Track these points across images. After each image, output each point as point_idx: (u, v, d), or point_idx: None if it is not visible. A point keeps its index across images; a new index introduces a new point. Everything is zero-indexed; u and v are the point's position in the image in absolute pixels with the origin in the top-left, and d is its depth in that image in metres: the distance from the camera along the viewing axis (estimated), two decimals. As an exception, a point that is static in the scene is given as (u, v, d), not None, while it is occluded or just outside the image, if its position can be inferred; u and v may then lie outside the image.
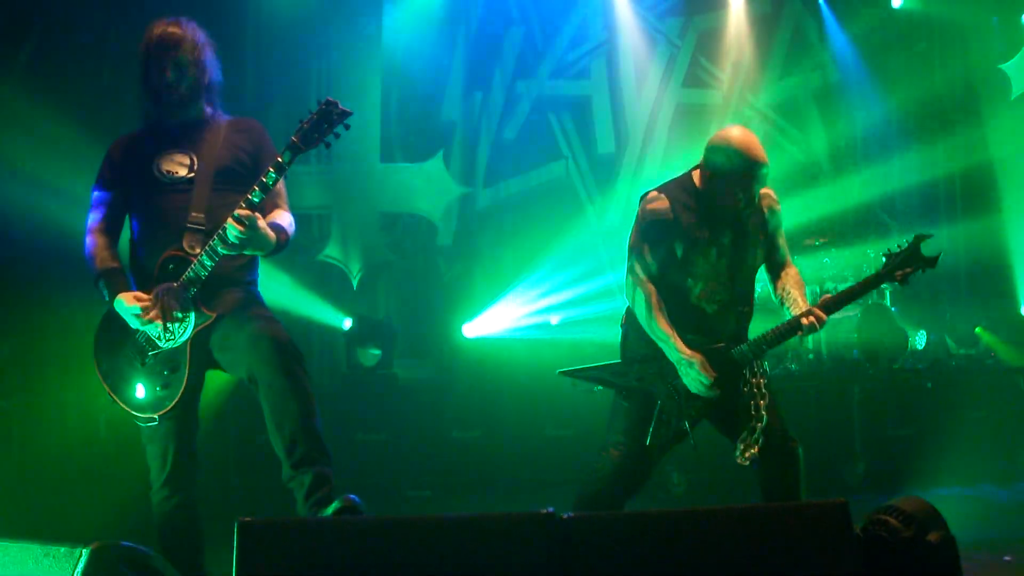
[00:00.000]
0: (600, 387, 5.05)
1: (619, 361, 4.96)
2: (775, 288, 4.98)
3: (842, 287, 9.38)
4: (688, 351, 4.68)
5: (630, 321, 4.95)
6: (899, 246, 4.77)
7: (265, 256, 4.58)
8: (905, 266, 4.73)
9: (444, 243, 10.61)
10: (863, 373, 8.73)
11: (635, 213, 4.92)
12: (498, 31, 10.90)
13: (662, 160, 11.26)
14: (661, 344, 4.72)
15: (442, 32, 10.66)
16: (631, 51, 11.11)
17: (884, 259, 4.80)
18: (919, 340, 9.57)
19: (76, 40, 8.20)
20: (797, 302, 4.79)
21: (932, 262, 4.72)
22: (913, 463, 7.99)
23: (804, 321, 4.67)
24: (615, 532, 3.53)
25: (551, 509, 3.50)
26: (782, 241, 5.00)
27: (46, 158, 7.92)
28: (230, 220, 4.28)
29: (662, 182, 4.98)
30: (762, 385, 4.74)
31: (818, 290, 9.10)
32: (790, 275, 4.94)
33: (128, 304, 4.40)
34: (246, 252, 4.43)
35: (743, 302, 4.90)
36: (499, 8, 10.87)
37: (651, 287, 4.75)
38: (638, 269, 4.80)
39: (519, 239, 10.53)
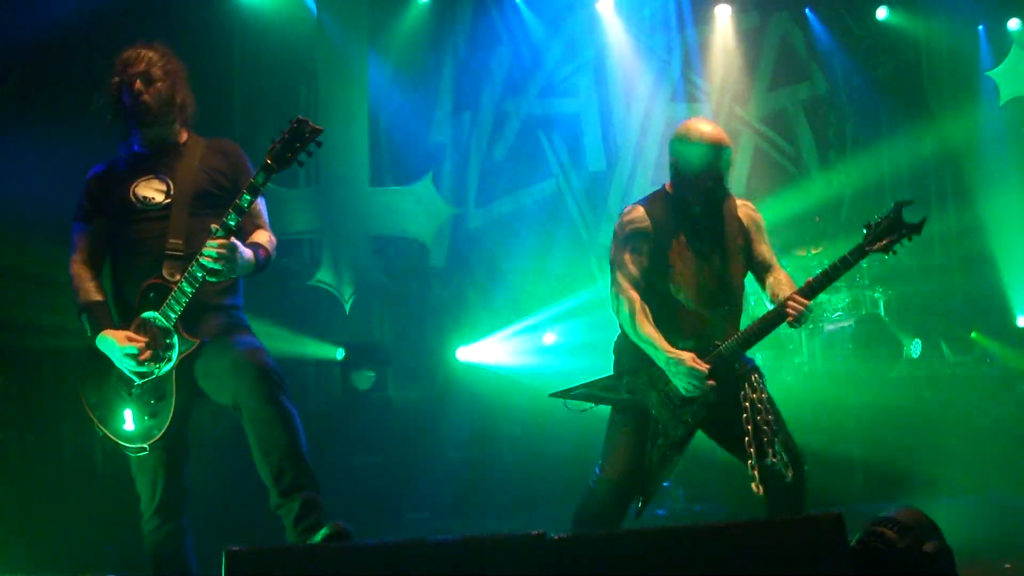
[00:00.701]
0: (592, 404, 4.98)
1: (608, 375, 4.90)
2: (766, 293, 4.89)
3: (835, 297, 9.40)
4: (674, 350, 4.60)
5: (621, 342, 4.89)
6: (878, 216, 4.63)
7: (248, 276, 4.54)
8: (888, 234, 4.59)
9: (436, 264, 10.58)
10: (859, 383, 8.69)
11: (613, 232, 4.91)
12: (486, 50, 10.90)
13: (653, 176, 11.24)
14: (647, 348, 4.65)
15: (430, 53, 10.67)
16: (620, 67, 11.11)
17: (864, 230, 4.63)
18: (914, 349, 9.54)
19: (63, 69, 8.20)
20: (784, 292, 4.70)
21: (917, 228, 4.59)
22: (910, 473, 7.95)
23: (788, 307, 4.57)
24: (607, 551, 3.49)
25: (542, 530, 3.46)
26: (766, 247, 4.95)
27: (35, 187, 7.91)
28: (207, 248, 4.25)
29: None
30: (764, 400, 4.66)
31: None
32: (780, 278, 4.87)
33: (120, 344, 4.36)
34: (223, 275, 4.37)
35: (730, 304, 4.83)
36: (487, 27, 10.87)
37: (634, 294, 4.71)
38: (620, 279, 4.76)
39: (512, 258, 10.51)
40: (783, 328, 4.76)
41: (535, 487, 8.39)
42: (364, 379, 8.90)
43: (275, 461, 4.25)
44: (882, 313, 9.45)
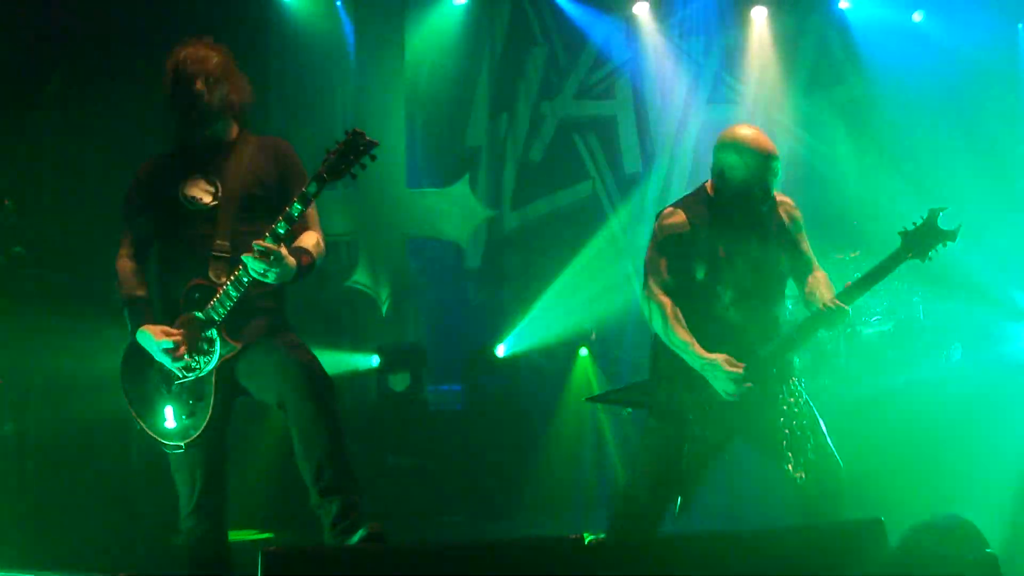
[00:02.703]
0: (630, 409, 4.94)
1: (644, 380, 4.86)
2: (804, 295, 4.84)
3: (873, 301, 9.28)
4: (709, 354, 4.55)
5: (657, 345, 4.82)
6: (914, 223, 4.55)
7: (291, 283, 4.50)
8: (923, 241, 4.51)
9: (472, 266, 10.57)
10: (898, 388, 8.57)
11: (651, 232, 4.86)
12: (521, 53, 10.87)
13: (689, 178, 11.14)
14: (681, 353, 4.60)
15: (466, 56, 10.66)
16: (655, 70, 11.03)
17: (900, 237, 4.55)
18: (954, 353, 9.41)
19: (104, 71, 8.24)
20: (822, 297, 4.65)
21: (952, 235, 4.52)
22: (954, 479, 7.82)
23: (824, 309, 4.55)
24: (643, 556, 3.45)
25: (579, 534, 3.43)
26: (806, 247, 4.89)
27: (76, 189, 7.96)
28: (251, 254, 4.22)
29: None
30: (800, 404, 4.62)
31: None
32: (818, 279, 4.82)
33: (157, 339, 4.36)
34: (272, 282, 4.34)
35: (768, 308, 4.77)
36: (522, 30, 10.84)
37: (666, 299, 4.65)
38: (652, 284, 4.71)
39: (547, 261, 10.46)
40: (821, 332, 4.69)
41: (573, 490, 8.36)
42: (399, 382, 8.88)
43: (315, 461, 4.25)
44: (921, 317, 9.32)
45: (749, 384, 4.52)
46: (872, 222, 10.60)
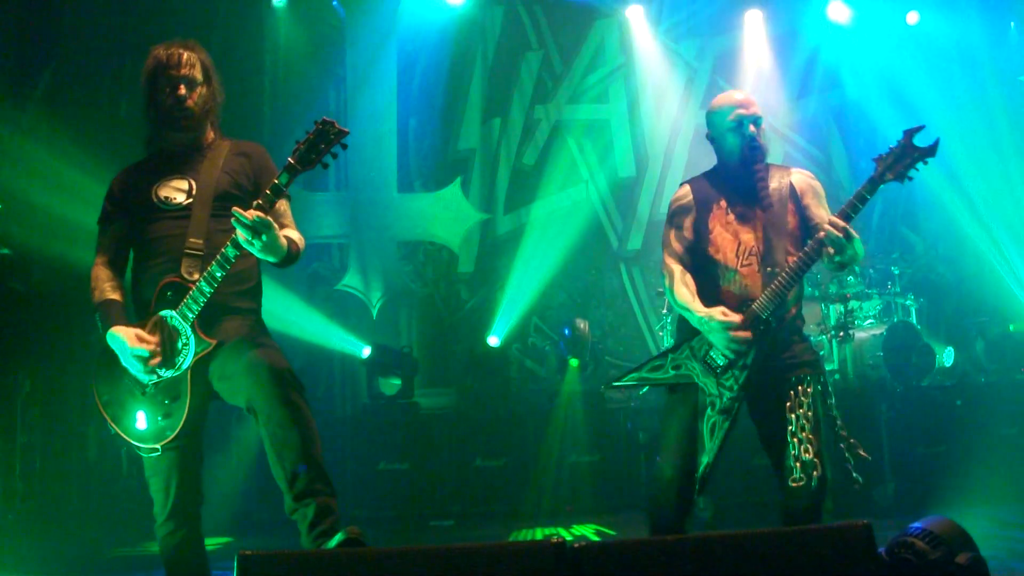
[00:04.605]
0: (645, 388, 4.97)
1: (656, 355, 4.87)
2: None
3: (867, 305, 9.23)
4: (705, 308, 4.60)
5: (673, 312, 5.01)
6: (889, 147, 4.57)
7: (276, 265, 4.38)
8: (900, 161, 4.53)
9: (464, 270, 10.52)
10: (890, 392, 8.52)
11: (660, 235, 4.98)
12: (516, 57, 10.84)
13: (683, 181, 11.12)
14: (684, 313, 4.69)
15: (460, 59, 10.62)
16: (649, 74, 11.01)
17: (874, 163, 4.56)
18: (947, 357, 9.35)
19: (93, 71, 8.19)
20: (820, 222, 4.60)
21: (931, 150, 4.54)
22: (944, 483, 7.76)
23: (822, 233, 4.46)
24: (627, 560, 3.37)
25: (561, 538, 3.35)
26: (819, 211, 4.78)
27: (64, 190, 7.90)
28: (240, 215, 4.08)
29: None
30: (810, 401, 4.59)
31: (843, 308, 8.90)
32: None
33: (131, 344, 4.23)
34: (260, 255, 4.25)
35: (772, 267, 4.70)
36: (516, 34, 10.82)
37: (676, 266, 4.76)
38: (665, 256, 4.82)
39: (540, 265, 10.41)
40: (816, 335, 4.69)
41: (563, 495, 8.29)
42: (390, 385, 8.81)
43: (288, 464, 4.13)
44: (914, 321, 9.27)
45: (747, 334, 4.54)
46: (865, 225, 10.60)
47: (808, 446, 4.51)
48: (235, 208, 4.11)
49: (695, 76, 11.22)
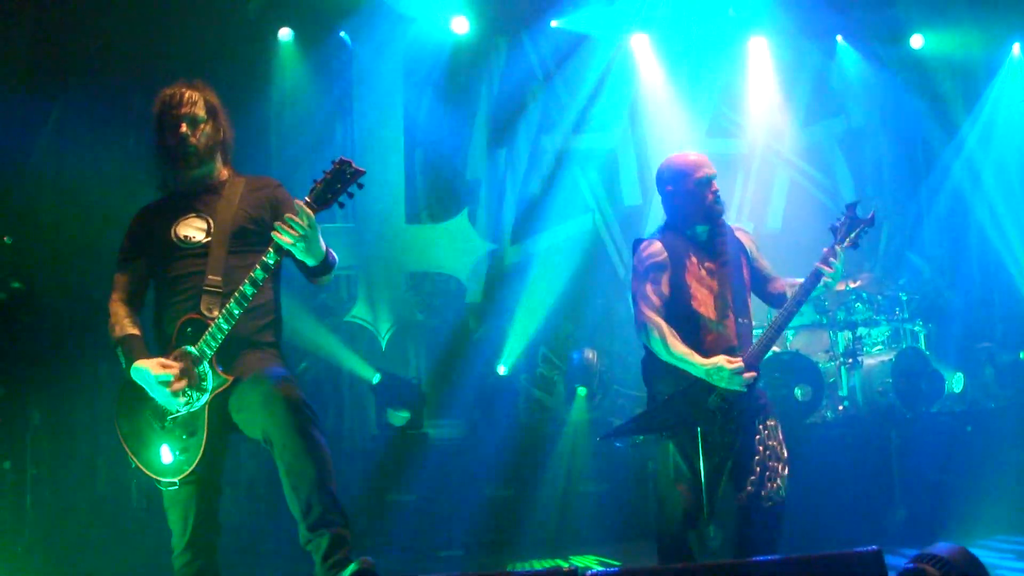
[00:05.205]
0: (641, 437, 5.24)
1: (649, 407, 5.19)
2: (772, 297, 5.40)
3: (875, 331, 9.26)
4: (708, 359, 4.94)
5: (650, 370, 5.18)
6: (838, 218, 5.22)
7: (315, 267, 4.48)
8: (850, 232, 5.16)
9: (473, 301, 10.53)
10: (900, 418, 8.52)
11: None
12: (521, 87, 10.86)
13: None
14: (683, 365, 4.96)
15: (465, 90, 10.66)
16: (654, 102, 11.02)
17: (831, 233, 5.19)
18: (956, 383, 9.35)
19: (101, 107, 8.25)
20: (790, 287, 5.29)
21: (870, 221, 5.18)
22: (954, 509, 7.75)
23: (821, 264, 5.06)
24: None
25: (574, 566, 3.37)
26: (765, 263, 5.45)
27: (73, 225, 7.96)
28: (287, 219, 4.25)
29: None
30: (773, 435, 5.12)
31: (851, 335, 8.91)
32: (784, 281, 5.40)
33: (154, 372, 4.32)
34: (301, 256, 4.36)
35: (745, 317, 5.22)
36: (522, 64, 10.84)
37: (660, 319, 5.02)
38: (644, 309, 5.06)
39: (548, 295, 10.43)
40: (824, 362, 5.00)
41: (572, 525, 8.29)
42: (399, 417, 8.81)
43: (303, 496, 4.21)
44: (923, 347, 9.27)
45: (752, 374, 4.94)
46: (872, 252, 10.62)
47: (776, 471, 5.03)
48: (288, 215, 4.26)
49: (700, 104, 11.26)
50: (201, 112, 4.59)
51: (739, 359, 4.93)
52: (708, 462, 4.95)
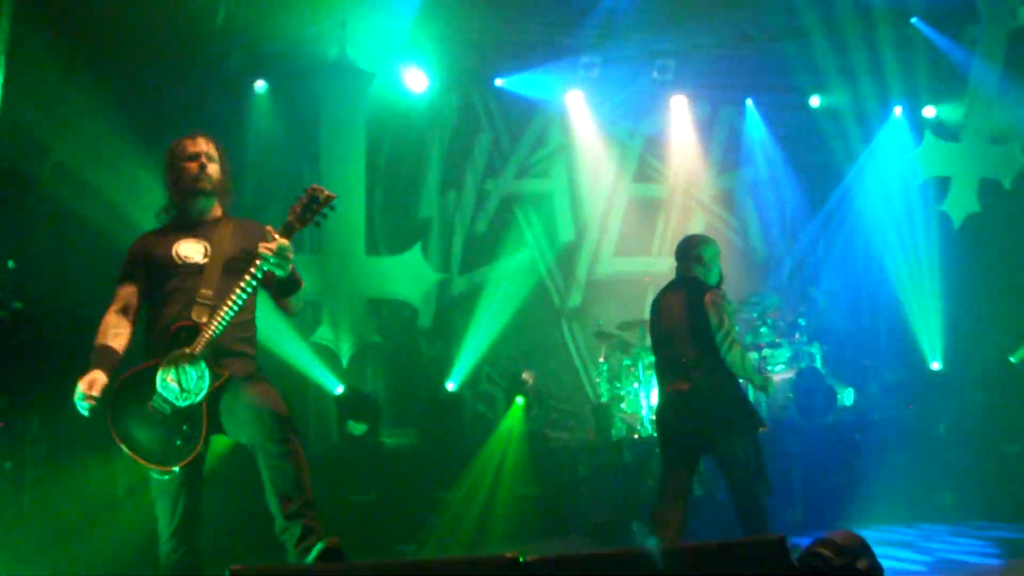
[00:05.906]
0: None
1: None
2: None
3: (777, 352, 9.39)
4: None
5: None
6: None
7: (284, 284, 4.57)
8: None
9: (424, 325, 10.57)
10: (799, 429, 8.67)
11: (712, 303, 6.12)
12: (469, 137, 10.96)
13: (616, 246, 11.33)
14: (753, 376, 6.30)
15: (420, 139, 10.72)
16: (587, 152, 11.17)
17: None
18: (847, 397, 9.53)
19: (100, 145, 8.20)
20: None
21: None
22: (845, 503, 7.95)
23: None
24: (575, 571, 3.43)
25: (515, 552, 3.40)
26: None
27: (71, 251, 7.90)
28: (263, 247, 4.39)
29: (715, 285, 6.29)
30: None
31: (756, 356, 9.06)
32: None
33: (80, 389, 4.38)
34: (278, 272, 4.46)
35: None
36: (470, 116, 10.95)
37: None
38: (737, 339, 6.10)
39: (492, 320, 10.49)
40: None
41: (516, 521, 8.34)
42: (358, 428, 8.81)
43: (282, 492, 4.30)
44: (819, 366, 9.44)
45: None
46: (776, 287, 10.80)
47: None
48: (267, 227, 4.45)
49: (627, 153, 11.43)
50: (214, 153, 4.75)
51: None
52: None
